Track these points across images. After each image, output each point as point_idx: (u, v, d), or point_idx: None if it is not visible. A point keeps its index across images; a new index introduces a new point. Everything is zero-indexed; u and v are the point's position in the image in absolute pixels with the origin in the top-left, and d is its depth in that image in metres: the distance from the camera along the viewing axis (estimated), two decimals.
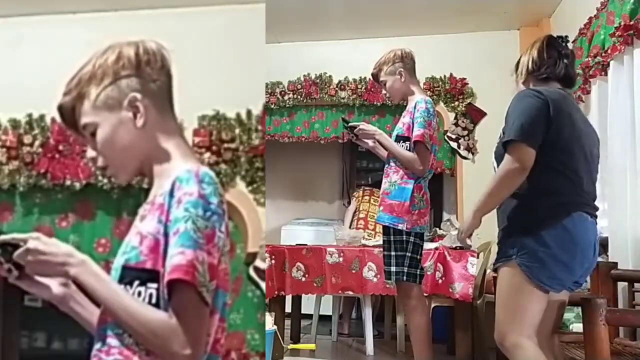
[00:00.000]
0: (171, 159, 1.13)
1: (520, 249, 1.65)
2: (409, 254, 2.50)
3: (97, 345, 1.07)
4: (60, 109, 1.14)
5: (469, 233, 1.82)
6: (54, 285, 1.13)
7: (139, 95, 1.12)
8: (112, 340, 1.04)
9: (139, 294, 1.03)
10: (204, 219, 1.01)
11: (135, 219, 1.12)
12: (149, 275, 1.03)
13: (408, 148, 2.54)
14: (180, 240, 0.99)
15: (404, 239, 2.51)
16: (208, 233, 1.01)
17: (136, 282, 1.03)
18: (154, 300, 1.02)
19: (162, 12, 2.98)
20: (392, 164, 2.62)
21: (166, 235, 1.02)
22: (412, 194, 2.51)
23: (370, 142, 2.73)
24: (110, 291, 1.02)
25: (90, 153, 1.15)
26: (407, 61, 2.67)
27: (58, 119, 1.17)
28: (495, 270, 1.82)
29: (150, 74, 1.14)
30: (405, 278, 2.49)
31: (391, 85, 2.67)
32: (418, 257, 2.54)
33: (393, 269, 2.51)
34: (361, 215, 4.63)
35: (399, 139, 2.60)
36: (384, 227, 2.58)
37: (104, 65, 1.12)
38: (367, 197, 4.71)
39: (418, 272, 2.52)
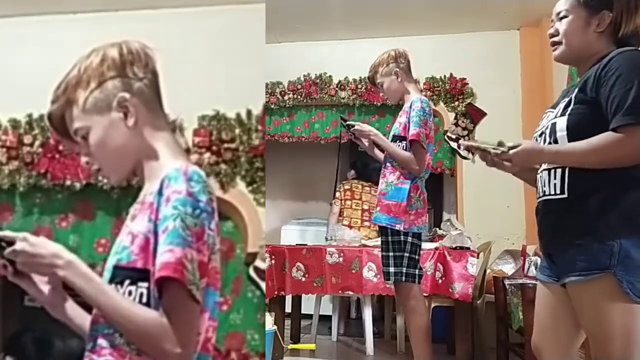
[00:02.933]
0: (161, 157, 1.13)
1: (621, 257, 1.25)
2: (407, 254, 2.49)
3: (89, 346, 1.07)
4: (50, 117, 1.15)
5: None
6: (47, 290, 1.13)
7: (127, 95, 1.12)
8: (102, 341, 1.04)
9: (130, 293, 1.03)
10: (192, 217, 1.01)
11: (127, 219, 1.12)
12: (139, 275, 1.03)
13: (405, 148, 2.53)
14: (169, 238, 0.99)
15: (402, 239, 2.50)
16: (197, 231, 1.01)
17: (127, 282, 1.03)
18: (144, 300, 1.02)
19: (162, 12, 2.98)
20: (388, 164, 2.61)
21: (156, 233, 1.02)
22: (409, 194, 2.50)
23: (365, 143, 2.70)
24: (98, 291, 1.01)
25: (84, 157, 1.16)
26: (401, 61, 2.65)
27: (49, 127, 1.18)
28: (564, 285, 1.38)
29: (136, 74, 1.14)
30: (404, 278, 2.48)
31: (388, 86, 2.66)
32: (416, 257, 2.54)
33: (391, 269, 2.49)
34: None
35: (396, 138, 2.59)
36: (381, 227, 2.57)
37: (89, 68, 1.12)
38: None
39: (417, 272, 2.51)
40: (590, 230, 1.30)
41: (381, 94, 4.45)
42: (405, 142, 2.54)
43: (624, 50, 1.35)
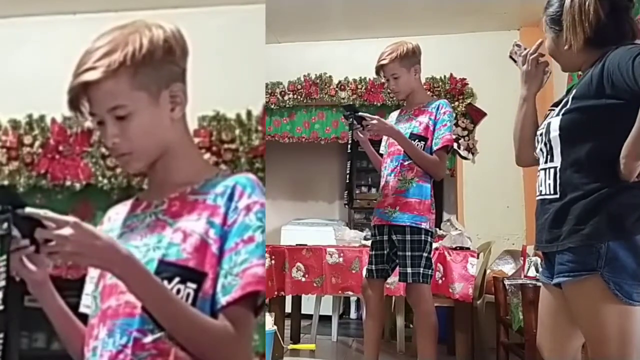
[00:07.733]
0: (190, 154, 1.11)
1: (608, 259, 1.26)
2: (425, 254, 2.41)
3: (122, 341, 0.99)
4: (77, 86, 1.00)
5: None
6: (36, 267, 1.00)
7: (183, 86, 1.07)
8: (141, 335, 0.98)
9: (178, 291, 0.97)
10: (264, 231, 1.01)
11: (152, 210, 1.07)
12: (190, 274, 0.98)
13: (422, 148, 2.46)
14: (259, 251, 0.97)
15: (423, 238, 2.41)
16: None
17: (176, 279, 0.98)
18: (190, 301, 0.97)
19: (162, 12, 2.97)
20: (402, 161, 2.49)
21: (222, 238, 0.99)
22: (431, 192, 2.47)
23: (362, 136, 2.51)
24: (160, 294, 0.94)
25: (113, 138, 1.03)
26: (419, 57, 2.55)
27: (66, 108, 1.03)
28: (557, 284, 1.38)
29: (184, 62, 1.09)
30: (421, 280, 2.40)
31: (405, 80, 2.51)
32: (431, 257, 2.49)
33: (409, 270, 2.39)
34: None
35: (414, 137, 2.48)
36: (395, 226, 2.45)
37: (153, 43, 1.02)
38: None
39: (430, 273, 2.44)
40: (579, 232, 1.30)
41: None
42: (424, 142, 2.47)
43: (618, 46, 1.30)
